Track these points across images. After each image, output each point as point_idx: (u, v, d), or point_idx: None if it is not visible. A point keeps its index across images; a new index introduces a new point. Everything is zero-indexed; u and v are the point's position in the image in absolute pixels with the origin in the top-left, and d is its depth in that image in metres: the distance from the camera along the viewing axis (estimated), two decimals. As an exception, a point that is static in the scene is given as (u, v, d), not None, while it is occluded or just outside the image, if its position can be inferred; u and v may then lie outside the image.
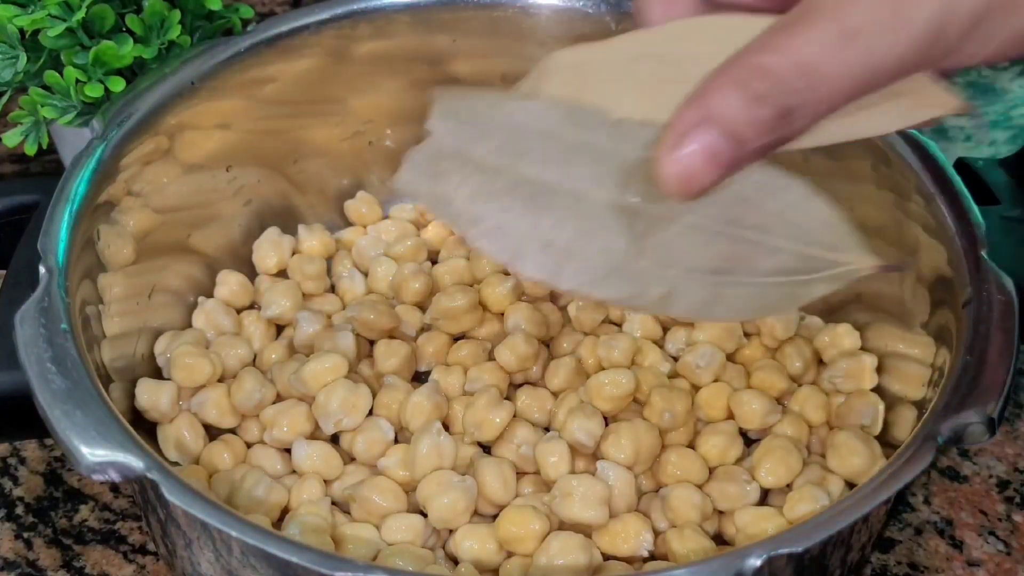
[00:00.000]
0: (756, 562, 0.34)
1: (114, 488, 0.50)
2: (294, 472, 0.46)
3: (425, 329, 0.51)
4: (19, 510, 0.49)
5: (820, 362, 0.50)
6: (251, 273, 0.54)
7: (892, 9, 0.30)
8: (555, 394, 0.48)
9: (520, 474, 0.46)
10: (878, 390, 0.47)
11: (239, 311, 0.52)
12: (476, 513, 0.44)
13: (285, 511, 0.45)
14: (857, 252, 0.34)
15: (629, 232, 0.33)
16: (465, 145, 0.33)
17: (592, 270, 0.33)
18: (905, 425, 0.45)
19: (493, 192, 0.33)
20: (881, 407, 0.46)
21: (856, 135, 0.32)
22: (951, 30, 0.30)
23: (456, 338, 0.51)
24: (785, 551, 0.35)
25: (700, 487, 0.44)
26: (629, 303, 0.34)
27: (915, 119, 0.33)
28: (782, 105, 0.30)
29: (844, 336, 0.49)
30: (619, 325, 0.51)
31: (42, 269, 0.41)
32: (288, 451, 0.46)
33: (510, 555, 0.43)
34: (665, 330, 0.51)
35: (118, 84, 0.50)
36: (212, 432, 0.47)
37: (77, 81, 0.50)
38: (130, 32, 0.51)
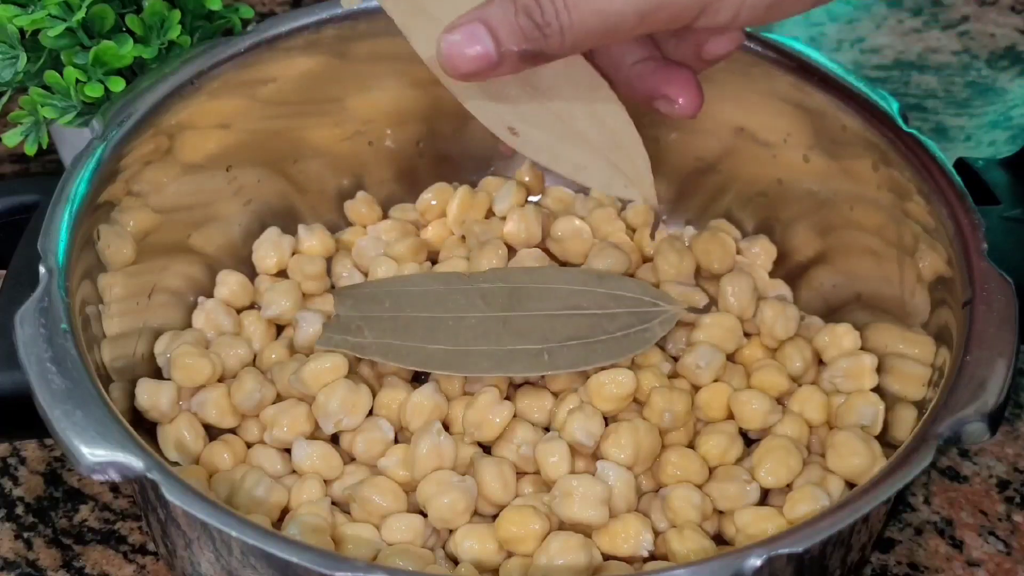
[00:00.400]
0: (756, 562, 0.34)
1: (114, 488, 0.50)
2: (294, 472, 0.46)
3: (425, 329, 0.51)
4: (19, 510, 0.49)
5: (820, 362, 0.50)
6: (251, 273, 0.53)
7: None
8: (555, 394, 0.48)
9: (520, 474, 0.46)
10: (878, 390, 0.47)
11: (239, 311, 0.52)
12: (476, 513, 0.44)
13: (285, 511, 0.45)
14: (670, 302, 0.48)
15: (507, 327, 0.46)
16: (365, 311, 0.48)
17: (489, 359, 0.46)
18: (905, 425, 0.45)
19: (395, 331, 0.47)
20: (881, 407, 0.46)
21: (573, 175, 0.43)
22: None
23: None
24: (785, 551, 0.35)
25: (700, 487, 0.44)
26: (526, 373, 0.46)
27: (615, 191, 0.43)
28: (536, 21, 0.37)
29: (844, 336, 0.49)
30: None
31: (42, 269, 0.41)
32: (288, 451, 0.46)
33: (510, 555, 0.43)
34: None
35: (118, 84, 0.50)
36: (212, 432, 0.47)
37: (77, 81, 0.50)
38: (130, 32, 0.51)
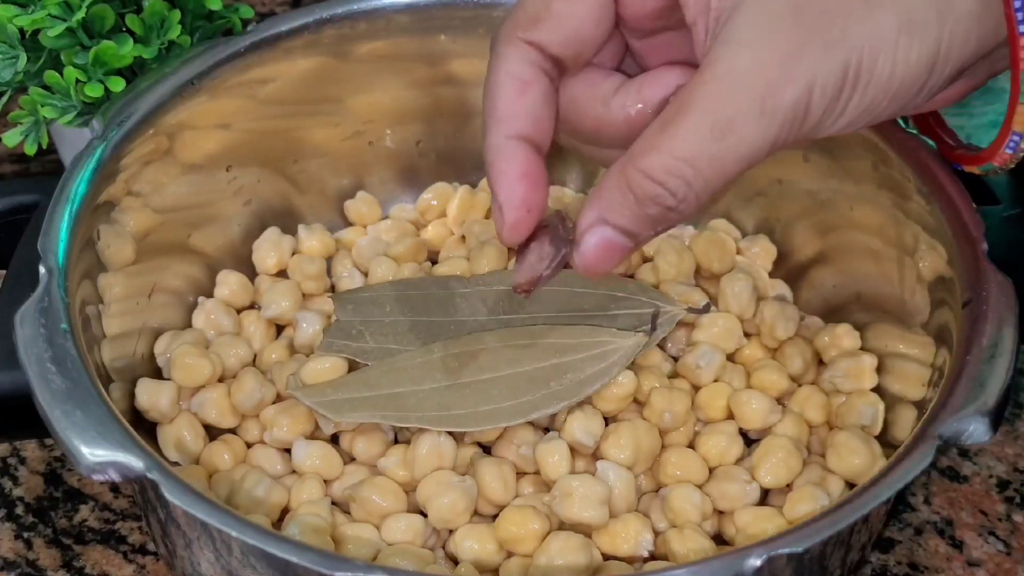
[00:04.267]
0: (756, 562, 0.34)
1: (114, 488, 0.50)
2: (294, 472, 0.46)
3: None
4: (19, 510, 0.49)
5: (820, 362, 0.50)
6: (251, 273, 0.53)
7: (760, 98, 0.33)
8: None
9: (520, 474, 0.46)
10: (878, 390, 0.47)
11: (239, 311, 0.52)
12: (476, 513, 0.44)
13: (285, 511, 0.45)
14: (670, 302, 0.49)
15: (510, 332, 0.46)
16: (365, 315, 0.48)
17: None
18: (905, 425, 0.45)
19: (397, 336, 0.47)
20: (881, 407, 0.46)
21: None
22: (813, 108, 0.34)
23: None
24: (785, 551, 0.35)
25: (700, 487, 0.44)
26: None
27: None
28: (664, 204, 0.34)
29: (844, 336, 0.49)
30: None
31: (42, 269, 0.41)
32: (288, 451, 0.46)
33: (510, 555, 0.43)
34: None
35: (118, 84, 0.50)
36: (212, 432, 0.47)
37: (77, 81, 0.50)
38: (130, 32, 0.51)
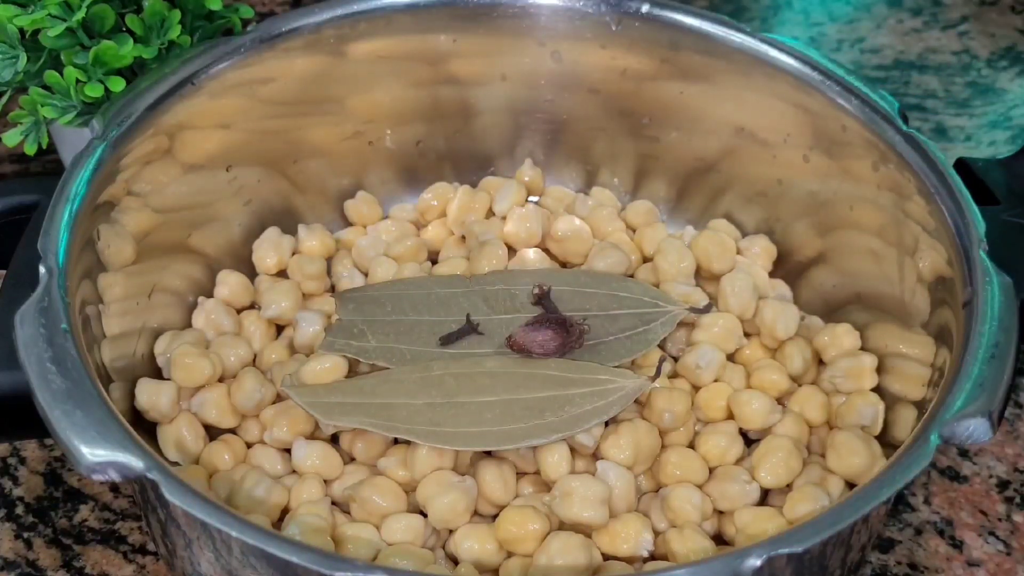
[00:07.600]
0: (756, 562, 0.34)
1: (114, 488, 0.50)
2: (294, 472, 0.46)
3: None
4: (19, 510, 0.49)
5: (820, 362, 0.50)
6: (251, 273, 0.53)
7: None
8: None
9: (520, 474, 0.46)
10: (878, 390, 0.47)
11: (239, 311, 0.52)
12: (476, 513, 0.44)
13: (285, 511, 0.45)
14: (671, 302, 0.49)
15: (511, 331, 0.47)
16: (367, 314, 0.48)
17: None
18: (905, 425, 0.45)
19: (399, 335, 0.47)
20: (881, 407, 0.46)
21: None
22: None
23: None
24: (785, 551, 0.35)
25: (700, 487, 0.45)
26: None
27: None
28: None
29: (844, 336, 0.49)
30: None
31: (42, 269, 0.41)
32: (288, 451, 0.46)
33: (510, 555, 0.43)
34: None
35: (118, 84, 0.50)
36: (212, 432, 0.47)
37: (77, 81, 0.50)
38: (130, 32, 0.51)
